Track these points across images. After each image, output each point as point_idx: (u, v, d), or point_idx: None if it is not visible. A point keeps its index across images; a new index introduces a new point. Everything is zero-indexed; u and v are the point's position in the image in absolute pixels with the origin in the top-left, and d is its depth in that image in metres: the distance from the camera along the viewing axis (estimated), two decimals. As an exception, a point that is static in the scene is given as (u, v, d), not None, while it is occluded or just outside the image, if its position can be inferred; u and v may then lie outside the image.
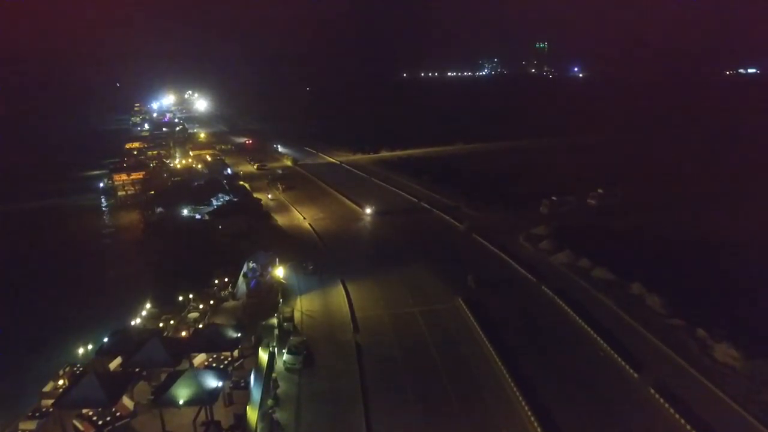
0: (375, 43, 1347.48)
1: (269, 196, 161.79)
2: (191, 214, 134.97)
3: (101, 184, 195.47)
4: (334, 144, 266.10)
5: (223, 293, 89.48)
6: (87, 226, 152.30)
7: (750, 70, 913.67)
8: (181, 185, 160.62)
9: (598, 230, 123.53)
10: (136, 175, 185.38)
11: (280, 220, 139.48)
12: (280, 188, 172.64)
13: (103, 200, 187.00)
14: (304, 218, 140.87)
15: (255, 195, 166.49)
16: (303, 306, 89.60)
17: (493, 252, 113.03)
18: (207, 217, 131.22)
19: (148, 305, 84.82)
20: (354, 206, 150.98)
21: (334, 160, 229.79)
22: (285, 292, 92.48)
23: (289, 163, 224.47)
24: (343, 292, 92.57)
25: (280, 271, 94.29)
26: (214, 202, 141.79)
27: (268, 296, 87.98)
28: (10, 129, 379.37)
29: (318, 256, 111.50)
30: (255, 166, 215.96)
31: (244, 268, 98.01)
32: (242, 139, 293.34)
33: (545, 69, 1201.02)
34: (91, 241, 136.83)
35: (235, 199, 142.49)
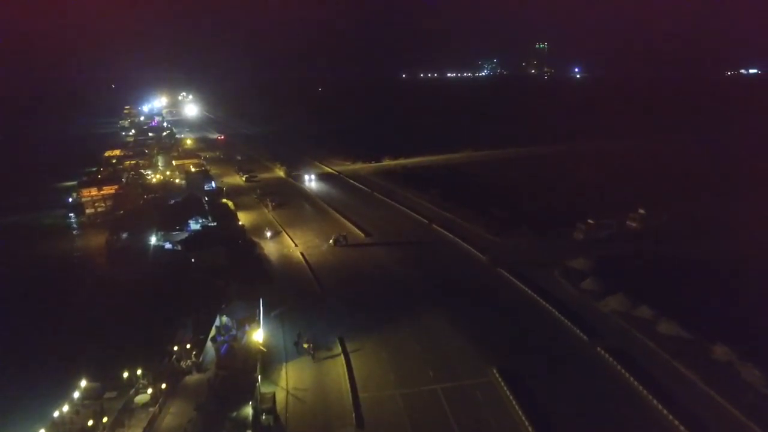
0: (373, 44, 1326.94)
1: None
2: (160, 242, 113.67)
3: (70, 199, 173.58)
4: (332, 150, 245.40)
5: (184, 363, 68.18)
6: (40, 252, 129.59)
7: (751, 71, 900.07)
8: (155, 204, 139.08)
9: (651, 263, 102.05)
10: (108, 190, 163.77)
11: (268, 247, 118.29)
12: (270, 206, 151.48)
13: (72, 217, 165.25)
14: (296, 245, 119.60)
15: (242, 213, 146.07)
16: (290, 380, 68.49)
17: (527, 294, 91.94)
18: (179, 247, 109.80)
19: (83, 383, 63.29)
20: (355, 230, 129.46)
21: (332, 170, 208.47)
22: (266, 360, 71.14)
23: (281, 173, 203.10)
24: (342, 361, 71.35)
25: (259, 335, 72.73)
26: (191, 225, 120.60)
27: (243, 368, 66.73)
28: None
29: (310, 302, 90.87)
30: (243, 178, 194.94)
31: (216, 322, 77.32)
32: (215, 136, 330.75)
33: (545, 69, 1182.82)
34: (38, 274, 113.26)
35: (214, 224, 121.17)
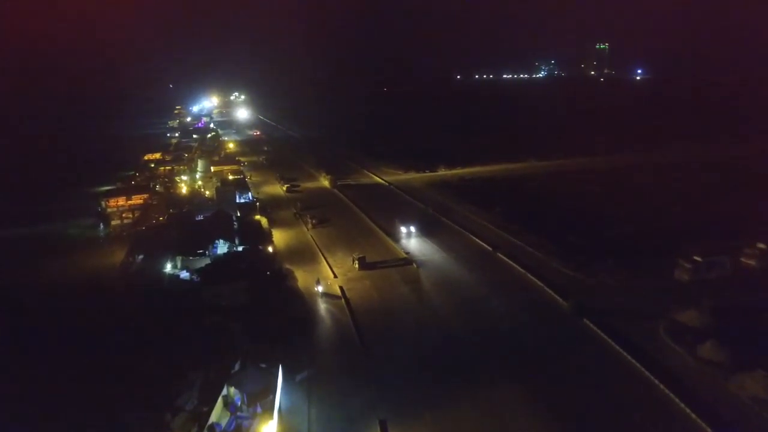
0: (427, 45, 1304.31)
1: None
2: (175, 271, 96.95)
3: (99, 209, 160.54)
4: (383, 156, 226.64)
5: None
6: (55, 269, 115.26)
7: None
8: (180, 220, 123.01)
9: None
10: (137, 199, 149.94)
11: (302, 278, 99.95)
12: (310, 223, 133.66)
13: (101, 228, 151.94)
14: (335, 276, 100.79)
15: (278, 231, 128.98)
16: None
17: (626, 362, 70.04)
18: (195, 277, 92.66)
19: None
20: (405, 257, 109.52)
21: (381, 181, 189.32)
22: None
23: (326, 183, 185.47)
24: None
25: (272, 427, 53.90)
26: (215, 250, 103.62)
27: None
28: (41, 131, 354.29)
29: (347, 361, 71.95)
30: (284, 188, 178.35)
31: (224, 391, 59.68)
32: (252, 132, 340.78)
33: (605, 70, 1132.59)
34: (42, 299, 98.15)
35: (240, 249, 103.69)
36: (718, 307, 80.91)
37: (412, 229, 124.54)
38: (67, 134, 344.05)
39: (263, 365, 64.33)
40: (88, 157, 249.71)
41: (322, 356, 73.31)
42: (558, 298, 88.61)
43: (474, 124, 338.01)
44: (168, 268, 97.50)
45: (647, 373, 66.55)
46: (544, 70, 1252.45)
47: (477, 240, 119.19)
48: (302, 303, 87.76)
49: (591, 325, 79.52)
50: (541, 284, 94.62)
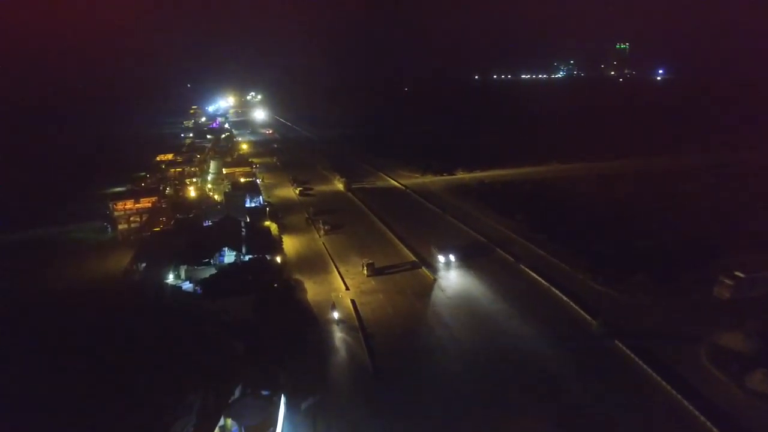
0: (444, 44, 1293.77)
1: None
2: (177, 281, 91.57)
3: (107, 212, 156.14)
4: (399, 158, 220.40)
5: None
6: (54, 276, 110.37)
7: None
8: (186, 226, 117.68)
9: None
10: (145, 202, 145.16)
11: (312, 290, 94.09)
12: (323, 229, 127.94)
13: (108, 231, 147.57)
14: (347, 289, 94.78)
15: (289, 237, 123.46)
16: None
17: (664, 391, 63.34)
18: (199, 289, 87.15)
19: None
20: (424, 272, 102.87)
21: (398, 184, 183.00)
22: None
23: (340, 186, 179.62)
24: None
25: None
26: (222, 259, 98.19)
27: None
28: (56, 132, 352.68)
29: (359, 386, 65.87)
30: (297, 191, 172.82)
31: (221, 422, 53.99)
32: (264, 130, 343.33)
33: (625, 71, 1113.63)
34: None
35: (246, 259, 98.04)
36: (766, 329, 73.83)
37: (452, 258, 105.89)
38: (83, 134, 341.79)
39: (265, 392, 58.61)
40: (102, 157, 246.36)
41: (331, 381, 67.26)
42: (586, 315, 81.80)
43: (493, 125, 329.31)
44: (171, 278, 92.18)
45: (691, 407, 59.72)
46: (562, 71, 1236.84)
47: (497, 249, 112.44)
48: (310, 317, 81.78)
49: (623, 347, 72.80)
50: (567, 299, 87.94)
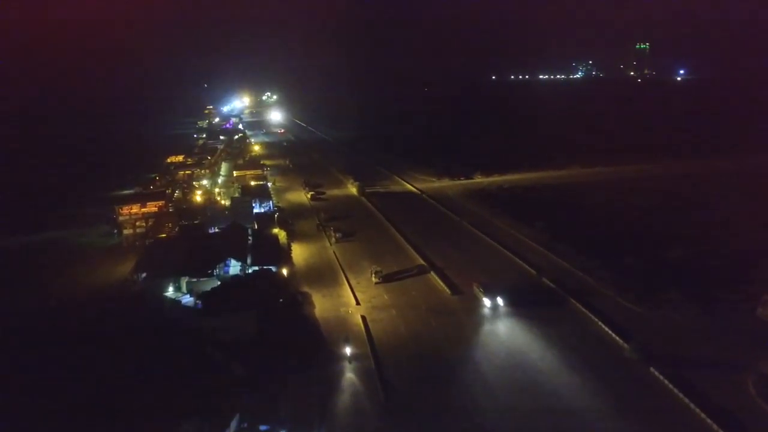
0: (463, 45, 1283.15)
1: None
2: (178, 295, 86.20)
3: (113, 216, 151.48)
4: (416, 161, 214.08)
5: None
6: (53, 284, 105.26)
7: None
8: (190, 233, 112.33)
9: None
10: (152, 206, 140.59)
11: (321, 304, 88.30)
12: (334, 237, 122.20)
13: (114, 237, 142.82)
14: (358, 303, 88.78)
15: (299, 246, 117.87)
16: None
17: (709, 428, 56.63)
18: (199, 303, 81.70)
19: None
20: (439, 283, 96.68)
21: (413, 188, 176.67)
22: None
23: (353, 190, 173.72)
24: None
25: None
26: (227, 269, 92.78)
27: None
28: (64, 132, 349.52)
29: (369, 417, 59.86)
30: (309, 195, 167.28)
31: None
32: (276, 130, 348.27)
33: (644, 71, 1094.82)
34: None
35: (251, 271, 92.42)
36: (818, 356, 66.66)
37: (500, 301, 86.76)
38: (97, 135, 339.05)
39: (263, 428, 52.86)
40: (114, 159, 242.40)
41: (337, 415, 61.27)
42: (618, 339, 74.92)
43: (513, 126, 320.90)
44: (171, 290, 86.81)
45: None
46: (581, 71, 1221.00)
47: (517, 260, 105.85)
48: (317, 335, 75.94)
49: (659, 376, 65.94)
50: (596, 319, 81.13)
